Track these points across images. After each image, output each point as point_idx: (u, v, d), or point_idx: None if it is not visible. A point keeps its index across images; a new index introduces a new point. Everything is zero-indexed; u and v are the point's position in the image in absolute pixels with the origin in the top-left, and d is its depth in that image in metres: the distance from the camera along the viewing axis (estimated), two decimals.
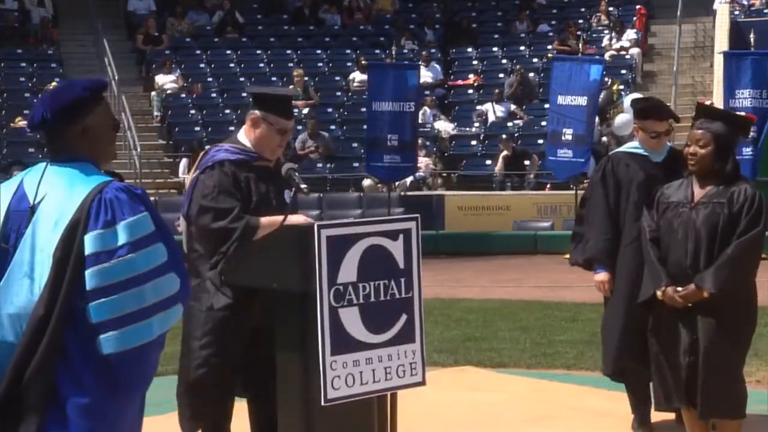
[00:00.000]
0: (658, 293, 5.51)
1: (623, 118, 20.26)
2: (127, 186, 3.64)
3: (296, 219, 5.22)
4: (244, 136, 5.48)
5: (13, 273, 3.59)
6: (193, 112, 22.87)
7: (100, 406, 3.55)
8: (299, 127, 21.15)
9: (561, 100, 17.39)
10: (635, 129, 6.73)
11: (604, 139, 20.48)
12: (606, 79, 19.97)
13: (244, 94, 23.42)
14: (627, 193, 6.46)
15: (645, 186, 6.42)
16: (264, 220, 5.22)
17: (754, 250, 5.51)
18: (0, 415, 3.54)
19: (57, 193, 3.60)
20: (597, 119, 20.26)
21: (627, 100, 20.18)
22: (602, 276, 6.43)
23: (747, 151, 16.34)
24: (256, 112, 5.45)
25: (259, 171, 5.40)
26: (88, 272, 3.52)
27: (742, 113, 5.97)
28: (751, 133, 16.27)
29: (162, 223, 3.67)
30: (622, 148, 6.89)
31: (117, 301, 3.51)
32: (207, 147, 5.63)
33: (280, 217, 5.14)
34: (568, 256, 7.43)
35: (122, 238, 3.54)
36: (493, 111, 22.67)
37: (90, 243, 3.53)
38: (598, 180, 6.56)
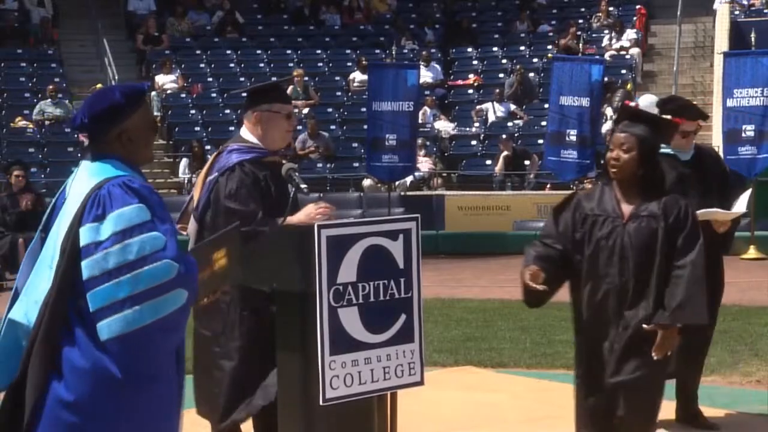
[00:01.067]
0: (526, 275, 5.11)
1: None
2: (125, 181, 3.80)
3: (297, 218, 5.26)
4: (249, 134, 5.49)
5: (40, 262, 3.88)
6: (193, 112, 22.87)
7: (99, 395, 3.71)
8: (299, 127, 21.15)
9: (563, 100, 17.38)
10: None
11: None
12: (607, 78, 19.95)
13: (244, 94, 23.41)
14: None
15: (677, 186, 6.43)
16: (293, 219, 5.25)
17: (701, 271, 5.00)
18: (15, 392, 3.79)
19: (76, 188, 3.87)
20: (611, 118, 20.27)
21: (641, 101, 20.23)
22: None
23: (743, 150, 16.36)
24: (258, 107, 5.48)
25: (272, 167, 5.43)
26: (82, 264, 3.73)
27: (668, 117, 5.56)
28: (751, 132, 16.32)
29: (163, 214, 3.82)
30: None
31: (108, 289, 3.69)
32: (220, 148, 5.62)
33: (301, 218, 5.24)
34: None
35: (110, 229, 3.73)
36: (493, 111, 22.67)
37: (82, 236, 3.75)
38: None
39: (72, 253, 3.77)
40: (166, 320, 3.74)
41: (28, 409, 3.76)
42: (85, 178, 3.87)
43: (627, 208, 5.00)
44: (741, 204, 6.48)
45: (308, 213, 5.31)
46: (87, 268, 3.72)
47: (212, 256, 4.04)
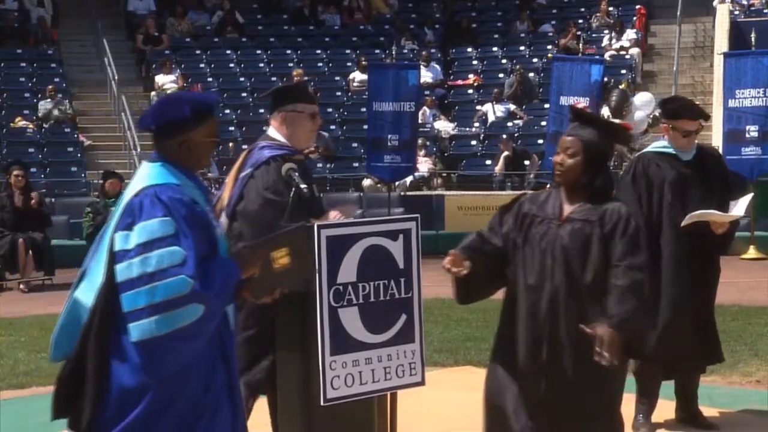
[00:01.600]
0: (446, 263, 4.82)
1: (639, 115, 20.31)
2: (157, 193, 3.96)
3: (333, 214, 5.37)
4: (276, 133, 5.52)
5: (100, 253, 4.07)
6: None
7: (143, 388, 3.94)
8: None
9: (563, 100, 17.38)
10: (664, 129, 6.73)
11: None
12: (607, 78, 19.95)
13: (244, 94, 23.46)
14: (660, 194, 6.47)
15: (678, 185, 6.45)
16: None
17: (644, 284, 4.68)
18: (75, 365, 4.04)
19: (130, 188, 4.08)
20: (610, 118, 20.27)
21: (637, 99, 20.26)
22: None
23: (747, 150, 16.36)
24: (282, 107, 5.51)
25: (299, 165, 5.46)
26: (116, 267, 3.95)
27: (618, 121, 5.38)
28: (755, 133, 16.33)
29: (189, 228, 3.94)
30: (650, 149, 6.85)
31: (131, 296, 3.89)
32: (249, 146, 5.67)
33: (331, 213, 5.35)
34: None
35: (135, 240, 3.92)
36: (493, 111, 22.67)
37: (115, 242, 3.98)
38: (629, 181, 6.54)
39: (111, 253, 4.00)
40: (183, 330, 3.88)
41: (93, 388, 3.98)
42: (137, 179, 4.07)
43: (566, 212, 4.80)
44: (740, 208, 6.47)
45: (332, 219, 5.34)
46: (118, 272, 3.94)
47: (272, 254, 4.08)
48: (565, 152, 4.81)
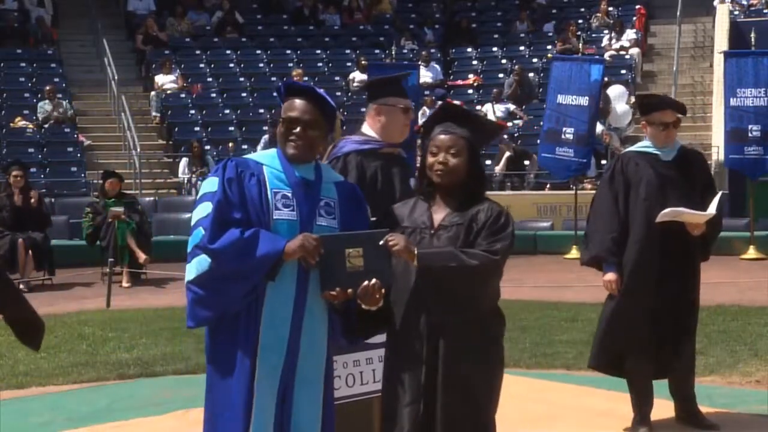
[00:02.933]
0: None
1: (622, 108, 20.37)
2: (232, 159, 4.36)
3: None
4: (368, 128, 5.53)
5: None
6: (193, 112, 22.87)
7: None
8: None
9: (561, 99, 17.37)
10: (642, 126, 6.74)
11: (613, 141, 20.46)
12: (606, 79, 19.96)
13: (244, 94, 23.46)
14: (636, 192, 6.47)
15: (654, 184, 6.44)
16: None
17: (491, 269, 4.39)
18: None
19: None
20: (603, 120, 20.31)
21: (611, 90, 20.35)
22: (610, 276, 6.45)
23: (750, 150, 16.37)
24: (375, 100, 5.54)
25: (388, 158, 5.48)
26: None
27: (493, 119, 4.96)
28: (757, 132, 16.34)
29: (222, 188, 4.23)
30: (633, 148, 6.89)
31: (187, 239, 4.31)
32: (335, 141, 5.66)
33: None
34: (567, 256, 7.44)
35: (200, 190, 4.38)
36: (493, 111, 22.67)
37: None
38: (606, 179, 6.59)
39: None
40: (200, 279, 4.18)
41: None
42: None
43: (438, 218, 4.47)
44: (712, 207, 6.46)
45: None
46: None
47: (347, 250, 4.14)
48: (447, 151, 4.47)
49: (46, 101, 21.72)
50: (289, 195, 4.24)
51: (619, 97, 21.44)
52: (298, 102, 4.33)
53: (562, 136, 17.25)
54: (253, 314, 4.14)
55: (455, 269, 4.28)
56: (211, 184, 4.26)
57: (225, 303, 4.16)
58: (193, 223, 4.26)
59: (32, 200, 14.76)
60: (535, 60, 24.63)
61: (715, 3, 24.15)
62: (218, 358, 4.21)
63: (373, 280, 4.13)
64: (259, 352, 4.12)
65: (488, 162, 21.24)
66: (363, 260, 4.10)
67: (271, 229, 4.17)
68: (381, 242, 4.17)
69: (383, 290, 4.20)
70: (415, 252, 4.26)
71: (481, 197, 4.56)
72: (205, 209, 4.21)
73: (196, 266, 4.18)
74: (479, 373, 4.36)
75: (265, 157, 4.35)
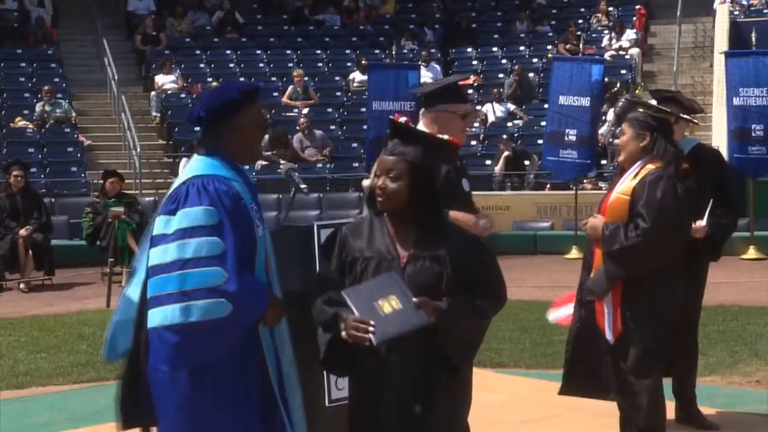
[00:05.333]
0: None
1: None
2: (204, 183, 3.93)
3: (465, 218, 5.28)
4: (425, 131, 5.49)
5: (143, 246, 4.10)
6: None
7: (159, 379, 3.94)
8: (296, 127, 21.15)
9: (563, 100, 17.37)
10: None
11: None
12: (609, 80, 19.95)
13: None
14: None
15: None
16: (457, 215, 5.23)
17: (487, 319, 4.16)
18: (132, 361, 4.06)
19: (176, 180, 4.08)
20: (607, 121, 20.29)
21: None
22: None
23: (753, 150, 16.37)
24: (434, 108, 5.51)
25: (456, 161, 5.44)
26: (150, 252, 3.95)
27: (445, 137, 4.55)
28: (760, 132, 16.34)
29: (237, 222, 3.90)
30: None
31: (160, 280, 3.86)
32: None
33: (471, 217, 5.35)
34: (567, 256, 7.42)
35: (176, 225, 3.89)
36: (493, 111, 22.67)
37: (155, 225, 3.97)
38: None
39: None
40: (201, 326, 3.82)
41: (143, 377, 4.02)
42: (187, 170, 4.08)
43: (404, 248, 4.06)
44: (704, 218, 6.49)
45: (474, 223, 5.39)
46: (151, 256, 3.94)
47: (379, 301, 3.87)
48: (386, 175, 4.06)
49: (42, 102, 21.70)
50: (255, 208, 4.11)
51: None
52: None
53: (566, 138, 17.25)
54: (252, 343, 4.04)
55: (473, 329, 4.09)
56: (205, 215, 3.89)
57: (226, 347, 3.93)
58: (188, 256, 3.82)
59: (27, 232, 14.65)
60: (535, 60, 24.63)
61: (715, 3, 24.14)
62: (225, 395, 3.95)
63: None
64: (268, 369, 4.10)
65: (488, 162, 21.26)
66: (399, 302, 3.86)
67: (257, 248, 4.05)
68: (414, 299, 3.88)
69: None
70: (439, 308, 3.94)
71: (441, 223, 4.15)
72: (212, 246, 3.85)
73: (208, 311, 3.81)
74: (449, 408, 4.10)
75: (220, 170, 4.03)
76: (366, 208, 4.26)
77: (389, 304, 3.83)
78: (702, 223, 6.46)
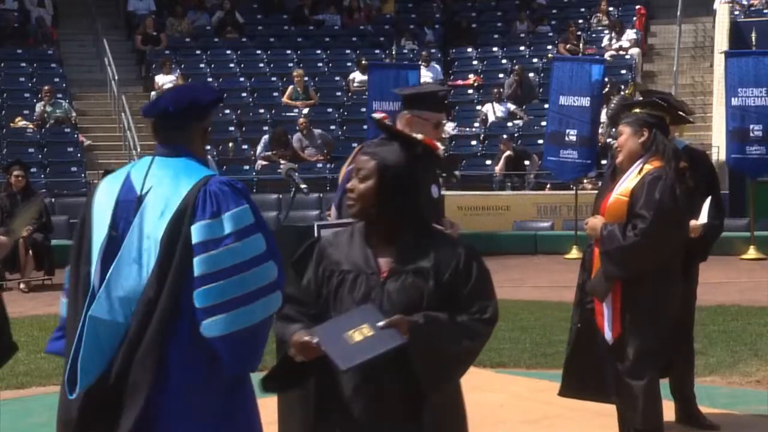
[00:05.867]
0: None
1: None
2: (230, 180, 3.86)
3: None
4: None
5: (123, 258, 3.83)
6: None
7: (208, 385, 3.78)
8: (296, 127, 21.15)
9: (563, 100, 17.38)
10: None
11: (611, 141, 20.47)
12: (608, 79, 19.95)
13: (244, 94, 23.45)
14: None
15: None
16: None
17: (485, 341, 3.72)
18: (113, 390, 3.78)
19: (164, 184, 3.85)
20: (606, 122, 20.29)
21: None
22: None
23: (752, 150, 16.38)
24: (410, 110, 5.51)
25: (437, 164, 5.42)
26: (196, 259, 3.73)
27: (419, 136, 4.08)
28: (759, 132, 16.35)
29: (260, 215, 3.88)
30: None
31: (223, 286, 3.71)
32: (362, 144, 5.64)
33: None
34: (567, 256, 7.42)
35: (227, 228, 3.76)
36: (493, 111, 22.67)
37: (198, 232, 3.76)
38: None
39: (172, 248, 3.76)
40: (269, 321, 3.79)
41: (136, 409, 3.74)
42: (170, 175, 3.86)
43: (384, 260, 3.65)
44: (702, 215, 6.48)
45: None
46: (202, 264, 3.73)
47: (348, 332, 3.54)
48: (357, 175, 3.68)
49: (42, 102, 21.70)
50: None
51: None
52: None
53: (566, 139, 17.27)
54: None
55: (453, 351, 3.60)
56: (248, 215, 3.81)
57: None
58: (243, 259, 3.73)
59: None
60: (535, 60, 24.63)
61: (715, 3, 24.14)
62: (254, 402, 3.94)
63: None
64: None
65: (488, 162, 21.27)
66: (371, 329, 3.47)
67: None
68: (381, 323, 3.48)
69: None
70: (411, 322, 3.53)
71: (426, 231, 3.70)
72: (258, 244, 3.78)
73: (272, 305, 3.76)
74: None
75: (210, 172, 3.97)
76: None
77: (360, 333, 3.45)
78: (701, 221, 6.46)
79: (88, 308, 3.82)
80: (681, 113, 6.54)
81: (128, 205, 3.88)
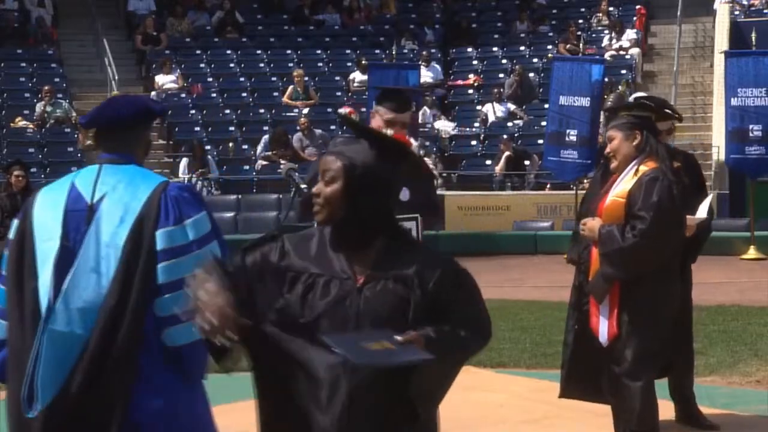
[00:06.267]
0: None
1: None
2: (187, 185, 3.89)
3: None
4: None
5: (80, 268, 3.70)
6: (193, 112, 22.87)
7: (175, 391, 3.72)
8: (297, 127, 21.16)
9: (563, 100, 17.39)
10: None
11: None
12: (606, 79, 19.95)
13: (244, 94, 23.47)
14: None
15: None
16: None
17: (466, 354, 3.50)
18: (77, 403, 3.67)
19: (119, 190, 3.76)
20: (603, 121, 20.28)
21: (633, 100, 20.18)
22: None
23: (751, 150, 16.38)
24: (376, 104, 5.53)
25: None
26: (160, 266, 3.67)
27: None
28: (758, 132, 16.36)
29: (215, 222, 3.83)
30: None
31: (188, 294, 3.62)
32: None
33: None
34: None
35: (191, 235, 3.71)
36: (493, 111, 22.67)
37: (162, 239, 3.69)
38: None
39: (135, 255, 3.67)
40: None
41: (118, 419, 3.67)
42: (124, 182, 3.78)
43: (362, 266, 3.27)
44: (702, 210, 6.48)
45: None
46: (167, 271, 3.66)
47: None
48: (323, 178, 3.30)
49: (42, 102, 21.70)
50: None
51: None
52: None
53: (566, 139, 17.28)
54: None
55: (451, 369, 3.46)
56: (207, 221, 3.80)
57: None
58: None
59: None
60: (535, 60, 24.63)
61: (715, 3, 24.15)
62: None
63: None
64: None
65: (488, 162, 21.28)
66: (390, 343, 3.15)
67: None
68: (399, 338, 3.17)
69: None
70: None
71: (400, 238, 3.33)
72: (217, 251, 3.75)
73: None
74: None
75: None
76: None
77: (380, 344, 3.16)
78: (699, 215, 6.45)
79: (46, 323, 3.69)
80: (666, 110, 6.56)
81: (78, 215, 3.76)
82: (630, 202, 5.73)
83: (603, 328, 5.81)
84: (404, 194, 5.32)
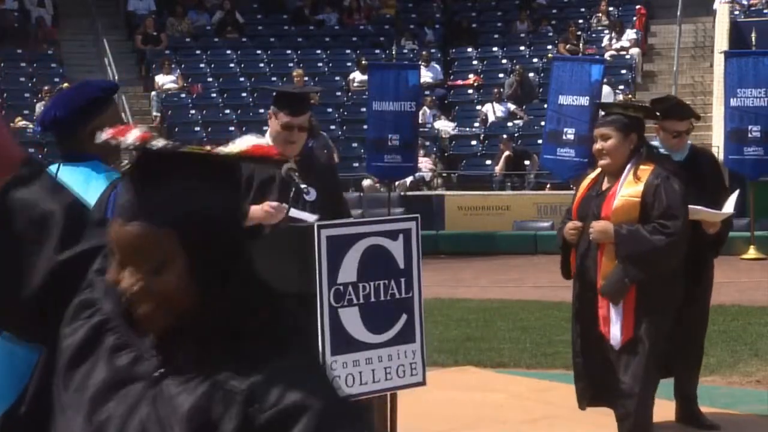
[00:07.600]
0: None
1: None
2: None
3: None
4: (268, 133, 5.52)
5: None
6: (193, 112, 22.88)
7: None
8: None
9: (562, 100, 17.38)
10: (656, 129, 6.74)
11: None
12: (607, 78, 19.94)
13: (244, 94, 23.47)
14: None
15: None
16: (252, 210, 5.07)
17: None
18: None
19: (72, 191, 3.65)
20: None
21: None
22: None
23: (750, 150, 16.38)
24: (271, 107, 5.53)
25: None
26: None
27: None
28: (757, 133, 16.34)
29: None
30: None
31: None
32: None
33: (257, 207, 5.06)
34: None
35: None
36: (493, 111, 22.67)
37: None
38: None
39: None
40: None
41: None
42: (78, 182, 3.73)
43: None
44: (729, 205, 6.48)
45: (257, 211, 5.11)
46: None
47: None
48: (144, 263, 1.97)
49: (42, 102, 21.70)
50: None
51: (606, 98, 21.23)
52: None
53: (564, 137, 17.26)
54: None
55: None
56: None
57: None
58: None
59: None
60: (535, 60, 24.63)
61: (715, 3, 24.14)
62: None
63: None
64: None
65: (488, 162, 21.27)
66: None
67: None
68: None
69: None
70: None
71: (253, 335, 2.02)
72: None
73: None
74: None
75: (114, 173, 3.84)
76: None
77: None
78: (726, 210, 6.46)
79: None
80: (653, 111, 6.59)
81: None
82: (647, 201, 5.69)
83: (615, 331, 5.78)
84: (311, 194, 5.27)
